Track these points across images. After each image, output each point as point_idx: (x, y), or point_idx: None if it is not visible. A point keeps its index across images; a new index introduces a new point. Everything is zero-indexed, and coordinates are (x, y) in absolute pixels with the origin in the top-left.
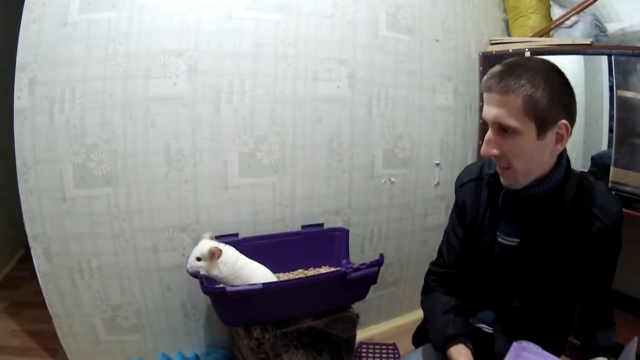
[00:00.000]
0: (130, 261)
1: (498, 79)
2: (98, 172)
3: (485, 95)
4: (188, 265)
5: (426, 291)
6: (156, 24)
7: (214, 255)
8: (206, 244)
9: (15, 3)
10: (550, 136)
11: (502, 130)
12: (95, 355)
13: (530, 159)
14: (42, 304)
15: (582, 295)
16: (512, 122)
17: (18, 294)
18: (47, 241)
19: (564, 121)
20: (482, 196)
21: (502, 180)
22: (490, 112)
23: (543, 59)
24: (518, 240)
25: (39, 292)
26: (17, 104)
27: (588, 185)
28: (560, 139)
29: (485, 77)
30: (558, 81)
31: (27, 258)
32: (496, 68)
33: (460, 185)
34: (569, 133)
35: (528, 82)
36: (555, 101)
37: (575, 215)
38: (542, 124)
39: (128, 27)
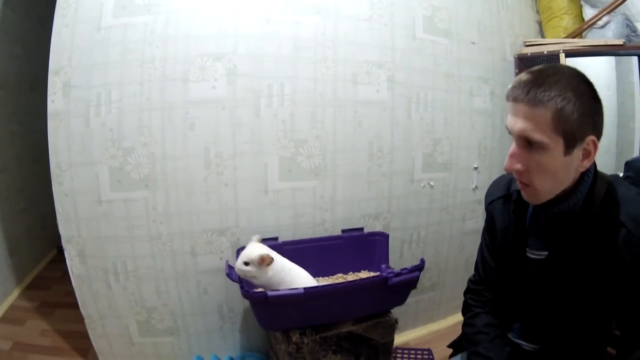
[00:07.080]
0: (168, 264)
1: (526, 89)
2: (135, 175)
3: (510, 105)
4: (236, 268)
5: (467, 311)
6: (193, 27)
7: (264, 261)
8: (255, 249)
9: (46, 8)
10: (577, 153)
11: (528, 144)
12: (128, 357)
13: (555, 176)
14: (73, 305)
15: (617, 311)
16: (540, 136)
17: (49, 294)
18: (82, 243)
19: (592, 137)
20: (510, 214)
21: (523, 194)
22: (516, 124)
23: (572, 68)
24: (546, 253)
25: (70, 293)
26: (51, 107)
27: (617, 191)
28: (587, 155)
29: (511, 86)
30: (588, 94)
31: (58, 259)
32: (523, 76)
33: (489, 202)
34: (596, 149)
35: (558, 95)
36: (585, 116)
37: (603, 224)
38: (570, 140)
39: (164, 30)
